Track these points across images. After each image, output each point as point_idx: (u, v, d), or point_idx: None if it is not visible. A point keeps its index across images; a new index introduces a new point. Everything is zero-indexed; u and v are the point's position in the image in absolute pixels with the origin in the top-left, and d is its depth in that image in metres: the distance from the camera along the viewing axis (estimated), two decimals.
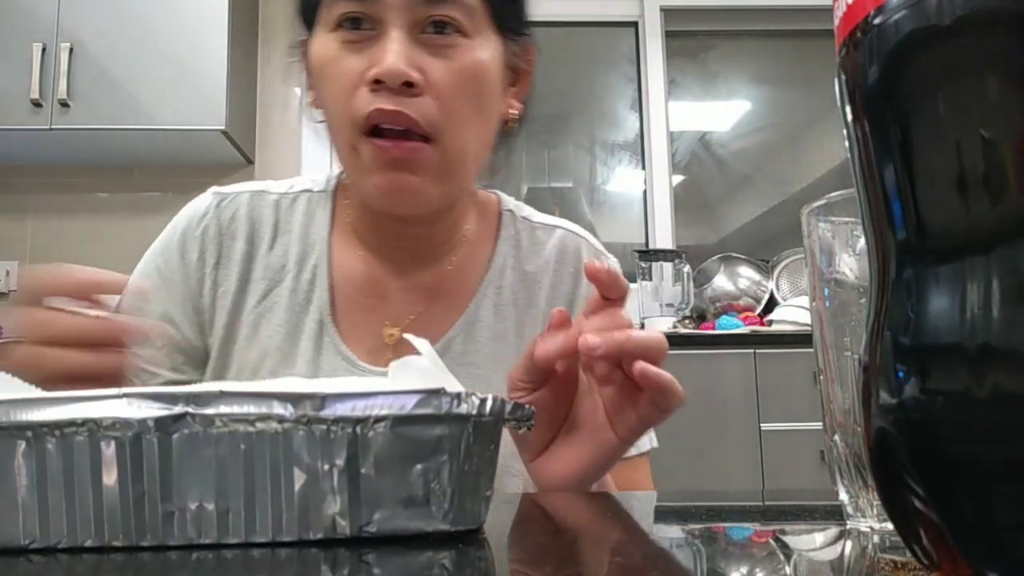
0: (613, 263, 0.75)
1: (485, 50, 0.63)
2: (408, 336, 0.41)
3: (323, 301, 0.68)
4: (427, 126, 0.59)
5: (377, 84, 0.58)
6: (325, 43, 0.61)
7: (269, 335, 0.68)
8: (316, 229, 0.71)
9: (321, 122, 0.67)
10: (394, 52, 0.58)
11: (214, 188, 0.74)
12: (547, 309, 0.71)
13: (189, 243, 0.70)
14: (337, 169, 0.72)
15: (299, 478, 0.31)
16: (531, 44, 0.71)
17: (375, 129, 0.59)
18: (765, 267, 2.67)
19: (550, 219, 0.77)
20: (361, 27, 0.60)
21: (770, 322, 2.35)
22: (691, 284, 2.55)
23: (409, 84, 0.58)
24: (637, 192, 2.94)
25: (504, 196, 0.78)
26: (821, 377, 0.36)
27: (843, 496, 0.35)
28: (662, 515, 0.47)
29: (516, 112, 0.71)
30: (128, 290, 0.66)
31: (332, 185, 0.73)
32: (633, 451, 0.65)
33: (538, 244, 0.74)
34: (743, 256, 2.69)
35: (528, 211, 0.78)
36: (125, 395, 0.31)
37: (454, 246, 0.71)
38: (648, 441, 0.70)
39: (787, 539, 0.37)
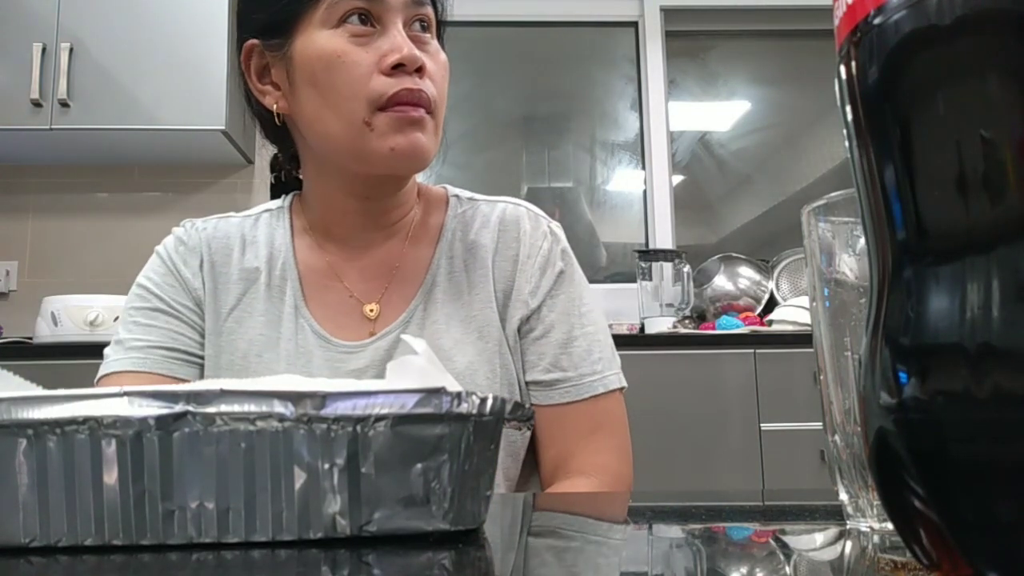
0: (555, 227, 0.84)
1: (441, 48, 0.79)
2: (405, 337, 0.43)
3: (295, 290, 0.79)
4: (431, 102, 0.72)
5: (395, 69, 0.70)
6: (330, 39, 0.71)
7: (252, 325, 0.77)
8: (279, 236, 0.82)
9: (266, 125, 0.81)
10: (408, 44, 0.71)
11: (182, 222, 0.85)
12: (494, 269, 0.80)
13: (172, 257, 0.80)
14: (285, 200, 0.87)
15: (299, 477, 0.31)
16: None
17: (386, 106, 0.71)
18: (765, 267, 2.67)
19: (495, 197, 0.87)
20: (366, 23, 0.71)
21: (770, 322, 2.35)
22: (691, 284, 2.54)
23: (420, 69, 0.71)
24: (637, 192, 2.94)
25: (450, 186, 0.88)
26: (821, 377, 0.36)
27: (843, 496, 0.36)
28: (662, 515, 0.47)
29: None
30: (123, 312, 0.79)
31: (288, 203, 0.86)
32: (601, 388, 0.76)
33: (483, 216, 0.83)
34: (743, 256, 2.69)
35: (473, 195, 0.87)
36: (126, 393, 0.31)
37: (405, 226, 0.82)
38: (617, 380, 0.79)
39: (787, 539, 0.37)
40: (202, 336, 0.78)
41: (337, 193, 0.79)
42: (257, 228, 0.83)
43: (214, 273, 0.79)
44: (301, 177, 0.87)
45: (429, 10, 0.75)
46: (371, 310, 0.78)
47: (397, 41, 0.71)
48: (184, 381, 0.74)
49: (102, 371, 0.76)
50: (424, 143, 0.72)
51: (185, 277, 0.79)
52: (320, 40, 0.71)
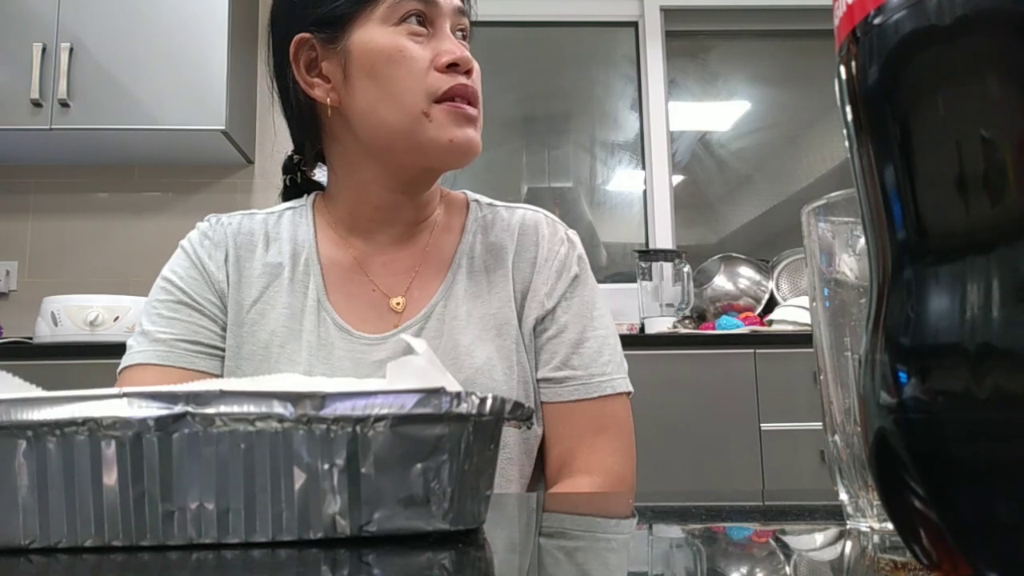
0: (572, 235, 0.87)
1: None
2: (405, 336, 0.43)
3: (318, 284, 0.80)
4: (478, 101, 0.78)
5: (449, 68, 0.75)
6: (391, 35, 0.75)
7: (275, 317, 0.79)
8: (302, 232, 0.84)
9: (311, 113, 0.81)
10: (460, 47, 0.77)
11: (207, 216, 0.86)
12: (514, 270, 0.82)
13: (198, 251, 0.81)
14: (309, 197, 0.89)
15: (299, 477, 0.31)
16: None
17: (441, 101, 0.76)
18: (765, 267, 2.67)
19: (513, 204, 0.90)
20: (421, 25, 0.77)
21: (770, 322, 2.35)
22: (691, 284, 2.54)
23: (469, 71, 0.77)
24: (637, 192, 2.94)
25: (470, 192, 0.91)
26: (821, 377, 0.36)
27: (843, 496, 0.35)
28: (662, 515, 0.47)
29: None
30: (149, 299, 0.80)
31: (311, 201, 0.88)
32: (609, 390, 0.78)
33: (503, 220, 0.86)
34: (743, 256, 2.69)
35: (492, 200, 0.90)
36: (125, 395, 0.31)
37: (429, 226, 0.85)
38: (624, 384, 0.80)
39: (787, 539, 0.37)
40: (223, 329, 0.79)
41: (372, 186, 0.81)
42: (280, 224, 0.85)
43: (239, 267, 0.81)
44: (315, 179, 0.89)
45: (467, 21, 0.82)
46: (397, 303, 0.80)
47: (452, 43, 0.76)
48: (206, 374, 0.77)
49: (125, 361, 0.76)
50: (476, 138, 0.77)
51: (209, 271, 0.80)
52: (381, 36, 0.75)
